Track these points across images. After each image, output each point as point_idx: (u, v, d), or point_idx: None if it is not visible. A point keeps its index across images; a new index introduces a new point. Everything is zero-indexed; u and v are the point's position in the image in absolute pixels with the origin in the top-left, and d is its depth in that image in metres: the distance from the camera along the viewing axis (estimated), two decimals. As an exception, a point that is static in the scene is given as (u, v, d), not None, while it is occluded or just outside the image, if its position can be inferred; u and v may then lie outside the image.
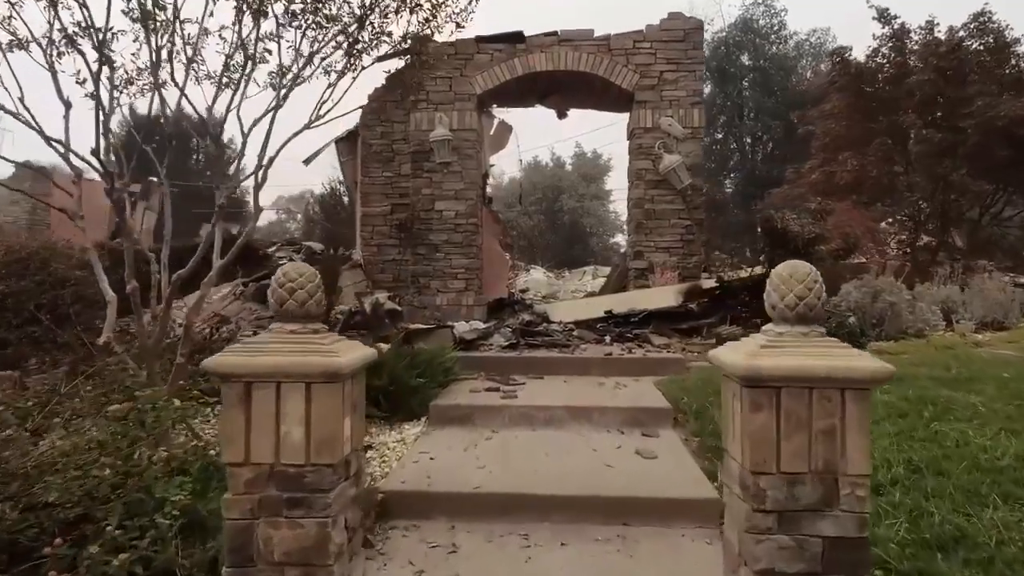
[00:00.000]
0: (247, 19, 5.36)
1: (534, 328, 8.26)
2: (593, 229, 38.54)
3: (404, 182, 9.93)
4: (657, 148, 9.26)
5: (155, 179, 32.79)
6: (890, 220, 11.16)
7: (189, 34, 6.02)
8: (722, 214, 28.33)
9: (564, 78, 9.72)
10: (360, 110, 10.16)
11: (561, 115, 10.63)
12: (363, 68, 6.04)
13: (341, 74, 5.84)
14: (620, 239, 40.65)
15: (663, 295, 8.73)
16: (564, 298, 13.00)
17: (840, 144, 11.55)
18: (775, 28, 31.62)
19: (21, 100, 4.71)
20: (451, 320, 9.10)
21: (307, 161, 10.54)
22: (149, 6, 4.90)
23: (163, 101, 5.58)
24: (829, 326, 7.19)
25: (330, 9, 5.72)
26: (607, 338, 7.96)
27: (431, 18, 6.67)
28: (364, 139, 10.25)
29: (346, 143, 10.48)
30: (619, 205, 46.62)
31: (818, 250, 7.53)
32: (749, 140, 32.27)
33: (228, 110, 5.31)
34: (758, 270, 8.30)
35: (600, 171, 39.69)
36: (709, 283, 8.69)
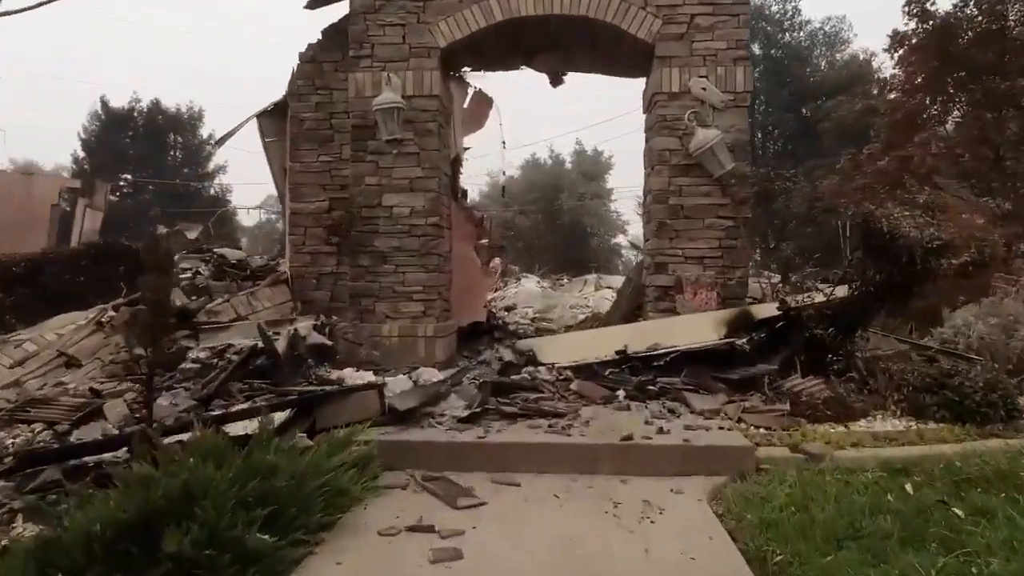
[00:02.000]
0: None
1: (513, 378, 5.53)
2: (594, 229, 35.81)
3: (347, 169, 7.18)
4: (687, 120, 6.52)
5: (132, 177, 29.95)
6: (980, 219, 8.48)
7: None
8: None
9: (560, 27, 6.97)
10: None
11: (555, 80, 7.89)
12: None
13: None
14: (622, 239, 37.92)
15: (697, 326, 5.99)
16: (561, 315, 10.27)
17: (914, 122, 8.86)
18: (788, 15, 28.83)
19: None
20: (403, 359, 6.37)
21: (219, 142, 7.85)
22: None
23: None
24: (961, 381, 4.47)
25: None
26: (620, 394, 5.22)
27: None
28: (294, 112, 7.51)
29: (272, 119, 7.75)
30: (621, 204, 43.83)
31: (940, 265, 4.79)
32: (760, 134, 29.53)
33: None
34: (839, 291, 5.55)
35: (601, 169, 36.94)
36: (765, 309, 5.94)
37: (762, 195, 6.91)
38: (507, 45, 7.30)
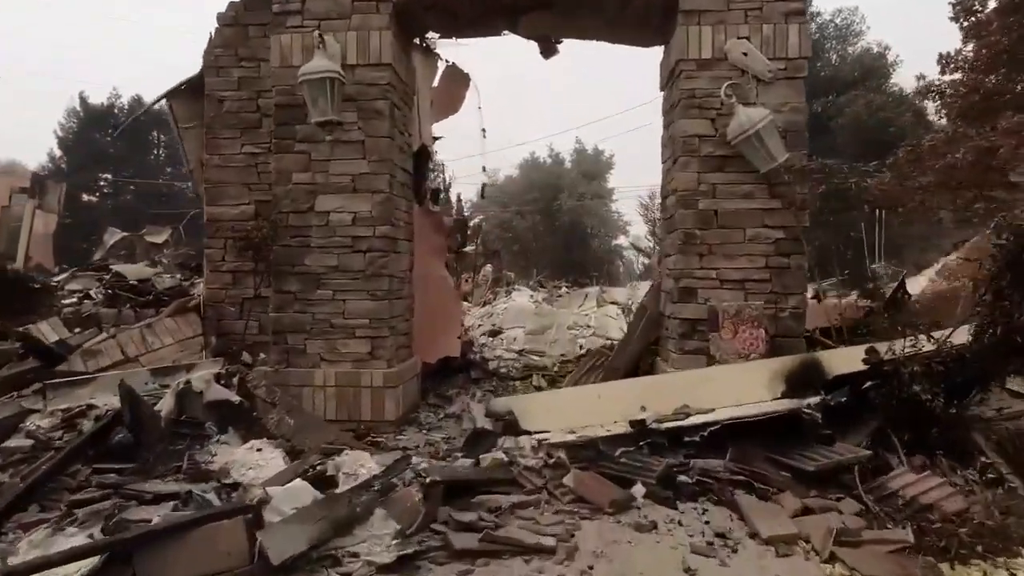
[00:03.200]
0: None
1: (483, 458, 3.75)
2: (595, 230, 34.01)
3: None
4: (724, 96, 4.73)
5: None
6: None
7: None
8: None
9: (552, -24, 5.20)
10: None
11: (547, 49, 6.09)
12: None
13: None
14: (623, 240, 36.12)
15: (743, 380, 4.21)
16: (557, 338, 8.47)
17: (992, 102, 7.06)
18: (799, 6, 26.87)
19: None
20: (330, 428, 4.62)
21: (118, 128, 6.10)
22: None
23: None
24: None
25: None
26: (638, 492, 3.44)
27: None
28: (211, 90, 5.73)
29: (186, 100, 5.96)
30: (622, 204, 42.07)
31: None
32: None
33: None
34: (961, 335, 3.76)
35: (602, 168, 35.12)
36: (841, 357, 4.15)
37: (830, 197, 5.16)
38: (485, 2, 5.51)
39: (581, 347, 7.86)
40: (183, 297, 5.74)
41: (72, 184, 25.45)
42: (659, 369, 5.15)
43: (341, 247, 4.95)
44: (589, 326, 9.14)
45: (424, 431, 4.95)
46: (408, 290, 5.51)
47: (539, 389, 5.83)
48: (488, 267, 14.52)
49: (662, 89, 5.65)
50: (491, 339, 7.84)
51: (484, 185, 10.78)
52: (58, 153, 27.01)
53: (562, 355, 7.56)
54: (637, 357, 5.50)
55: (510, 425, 4.20)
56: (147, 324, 5.23)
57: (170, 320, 5.32)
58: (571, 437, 3.92)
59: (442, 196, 28.44)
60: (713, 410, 4.04)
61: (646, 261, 30.40)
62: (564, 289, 15.25)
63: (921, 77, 8.24)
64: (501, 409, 4.26)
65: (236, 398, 4.46)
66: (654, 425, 3.88)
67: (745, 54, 4.81)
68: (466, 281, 11.93)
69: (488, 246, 18.23)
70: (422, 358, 5.87)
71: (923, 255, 13.85)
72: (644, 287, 10.92)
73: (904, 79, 23.48)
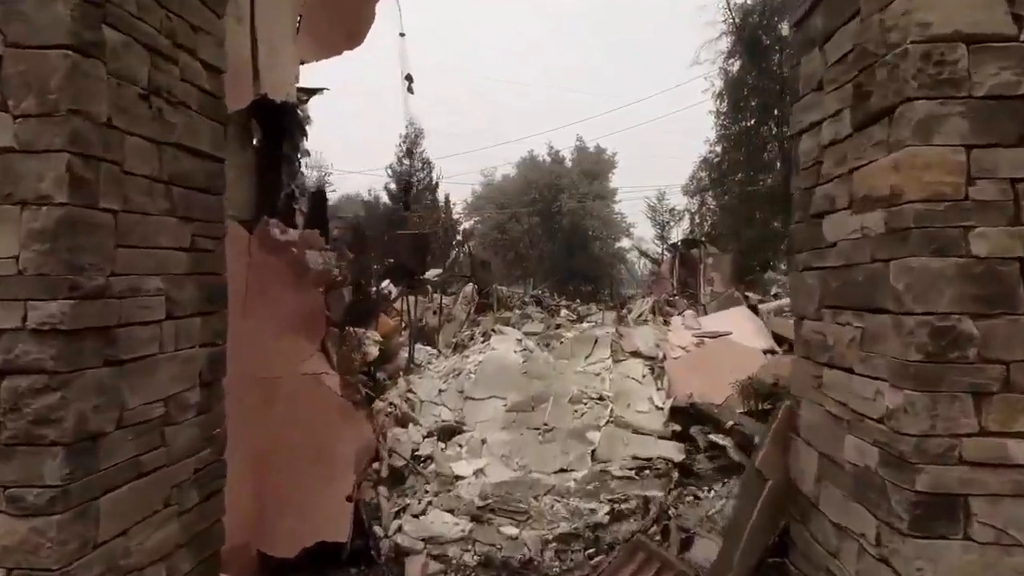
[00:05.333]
0: None
1: None
2: (596, 232, 30.79)
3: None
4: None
5: None
6: None
7: None
8: (740, 217, 20.51)
9: None
10: None
11: None
12: None
13: None
14: (626, 243, 32.89)
15: None
16: (555, 425, 5.21)
17: None
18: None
19: None
20: None
21: None
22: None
23: None
24: None
25: None
26: None
27: None
28: None
29: None
30: (625, 206, 38.98)
31: None
32: (788, 128, 24.33)
33: None
34: None
35: (604, 167, 31.91)
36: None
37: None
38: None
39: (593, 454, 4.60)
40: None
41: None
42: None
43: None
44: (603, 396, 5.88)
45: None
46: (197, 439, 2.24)
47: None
48: (469, 287, 11.25)
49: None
50: (443, 447, 4.51)
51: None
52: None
53: (562, 472, 4.29)
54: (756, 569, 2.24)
55: None
56: None
57: None
58: None
59: (429, 196, 25.11)
60: None
61: (650, 266, 27.20)
62: (564, 312, 12.01)
63: None
64: None
65: None
66: None
67: None
68: (433, 314, 8.71)
69: (476, 257, 14.96)
70: (267, 550, 2.61)
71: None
72: (677, 323, 7.69)
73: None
